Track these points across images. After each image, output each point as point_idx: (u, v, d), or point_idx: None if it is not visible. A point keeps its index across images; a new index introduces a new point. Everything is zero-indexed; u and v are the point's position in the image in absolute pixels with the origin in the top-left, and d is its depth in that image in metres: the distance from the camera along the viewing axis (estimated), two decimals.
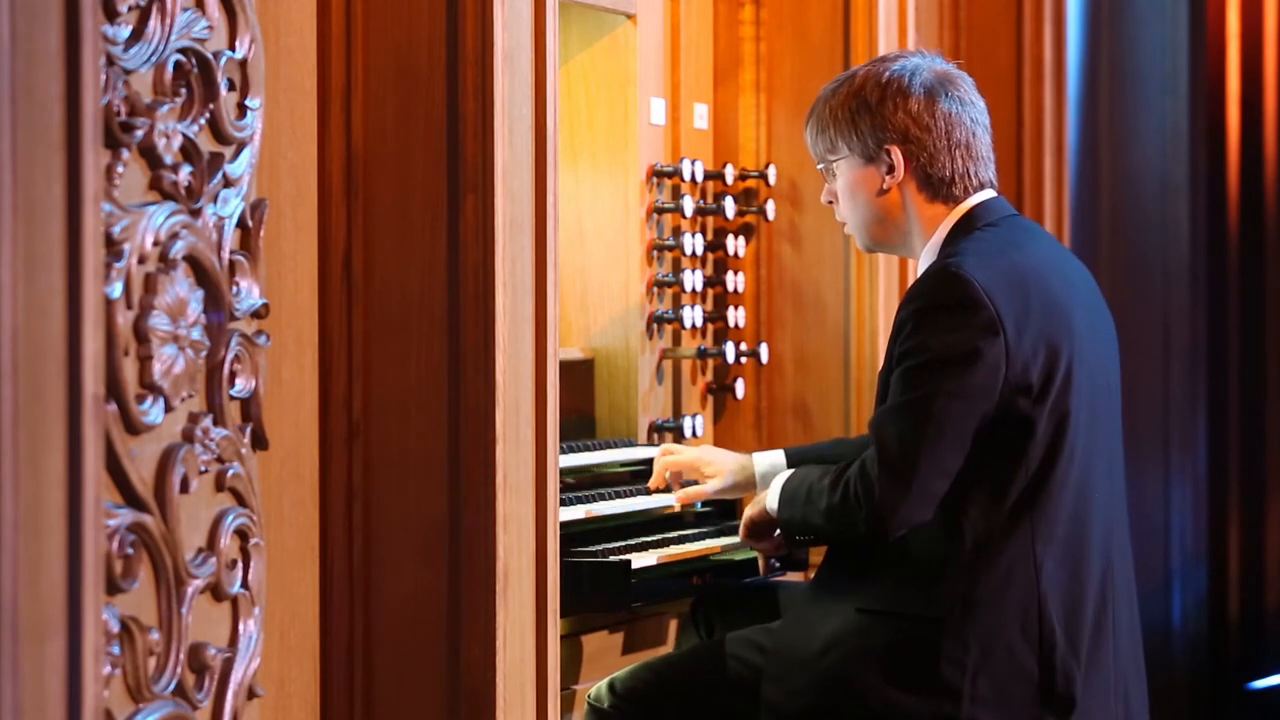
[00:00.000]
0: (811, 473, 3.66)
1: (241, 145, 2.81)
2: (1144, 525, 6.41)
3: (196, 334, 2.71)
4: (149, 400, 2.61)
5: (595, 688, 3.78)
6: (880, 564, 3.55)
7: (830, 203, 3.78)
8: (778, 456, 3.99)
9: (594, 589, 3.79)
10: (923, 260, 3.67)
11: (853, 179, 3.69)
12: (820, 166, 3.76)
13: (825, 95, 3.73)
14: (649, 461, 4.35)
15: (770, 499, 3.74)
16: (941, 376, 3.44)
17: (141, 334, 2.59)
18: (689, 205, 4.43)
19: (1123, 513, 3.67)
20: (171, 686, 2.65)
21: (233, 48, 2.80)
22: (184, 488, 2.67)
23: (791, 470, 3.74)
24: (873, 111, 3.65)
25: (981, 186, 3.67)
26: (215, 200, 2.76)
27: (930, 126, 3.64)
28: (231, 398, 2.78)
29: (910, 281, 4.71)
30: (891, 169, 3.65)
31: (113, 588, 2.54)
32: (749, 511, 3.83)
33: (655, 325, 4.43)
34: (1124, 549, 3.66)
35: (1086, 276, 3.71)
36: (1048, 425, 3.49)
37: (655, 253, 4.44)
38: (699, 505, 4.22)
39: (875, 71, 3.68)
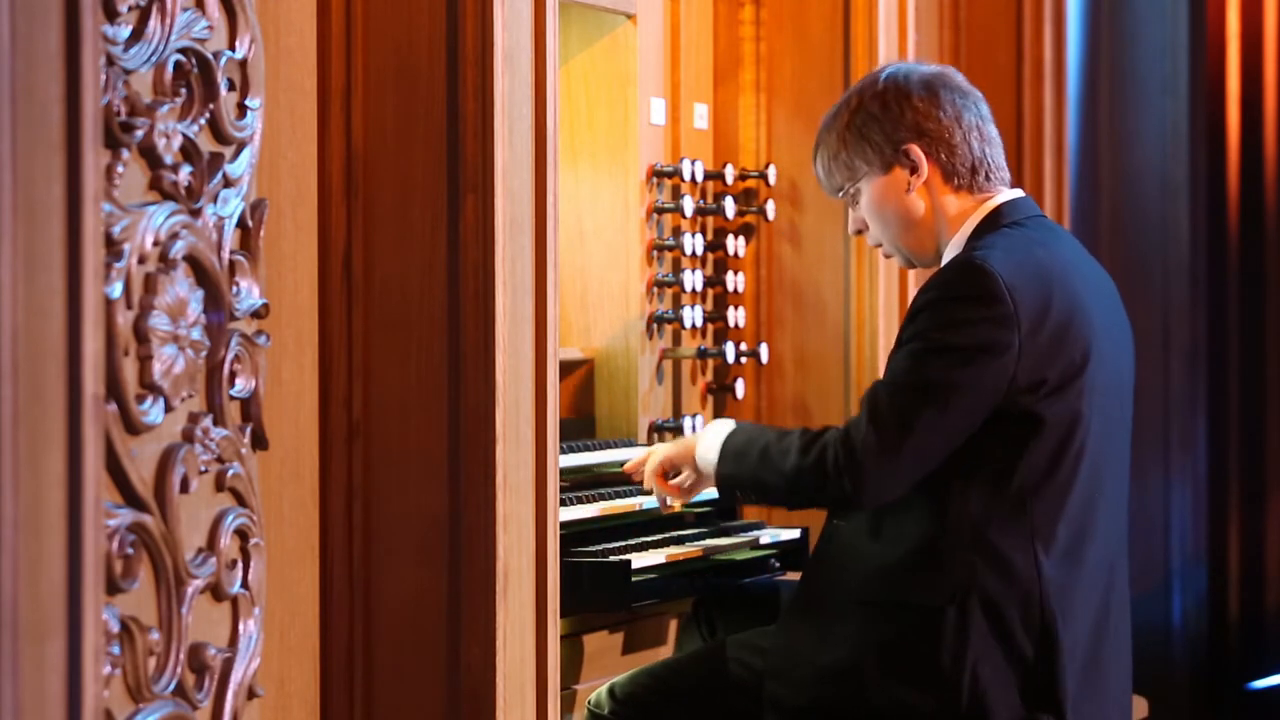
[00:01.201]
0: (765, 433, 3.62)
1: (241, 145, 2.81)
2: (1144, 525, 6.41)
3: (196, 334, 2.71)
4: (149, 400, 2.61)
5: (595, 694, 3.78)
6: (880, 556, 3.54)
7: (859, 232, 3.75)
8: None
9: (594, 589, 3.79)
10: (947, 254, 3.65)
11: (878, 191, 3.67)
12: (840, 195, 3.73)
13: (826, 124, 3.72)
14: None
15: (706, 449, 3.69)
16: (951, 365, 3.43)
17: (141, 334, 2.59)
18: (689, 205, 4.43)
19: (1125, 520, 3.67)
20: (171, 686, 2.65)
21: (233, 48, 2.80)
22: (184, 488, 2.67)
23: (734, 425, 3.70)
24: (879, 119, 3.65)
25: (1005, 181, 3.67)
26: (215, 200, 2.76)
27: (939, 116, 3.64)
28: (231, 398, 2.79)
29: (911, 282, 4.72)
30: (915, 168, 3.64)
31: (113, 588, 2.54)
32: (669, 451, 3.78)
33: (655, 325, 4.43)
34: (1123, 559, 3.66)
35: (1107, 280, 3.71)
36: (1058, 423, 3.49)
37: (655, 253, 4.43)
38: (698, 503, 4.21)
39: (868, 84, 3.69)
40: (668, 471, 3.83)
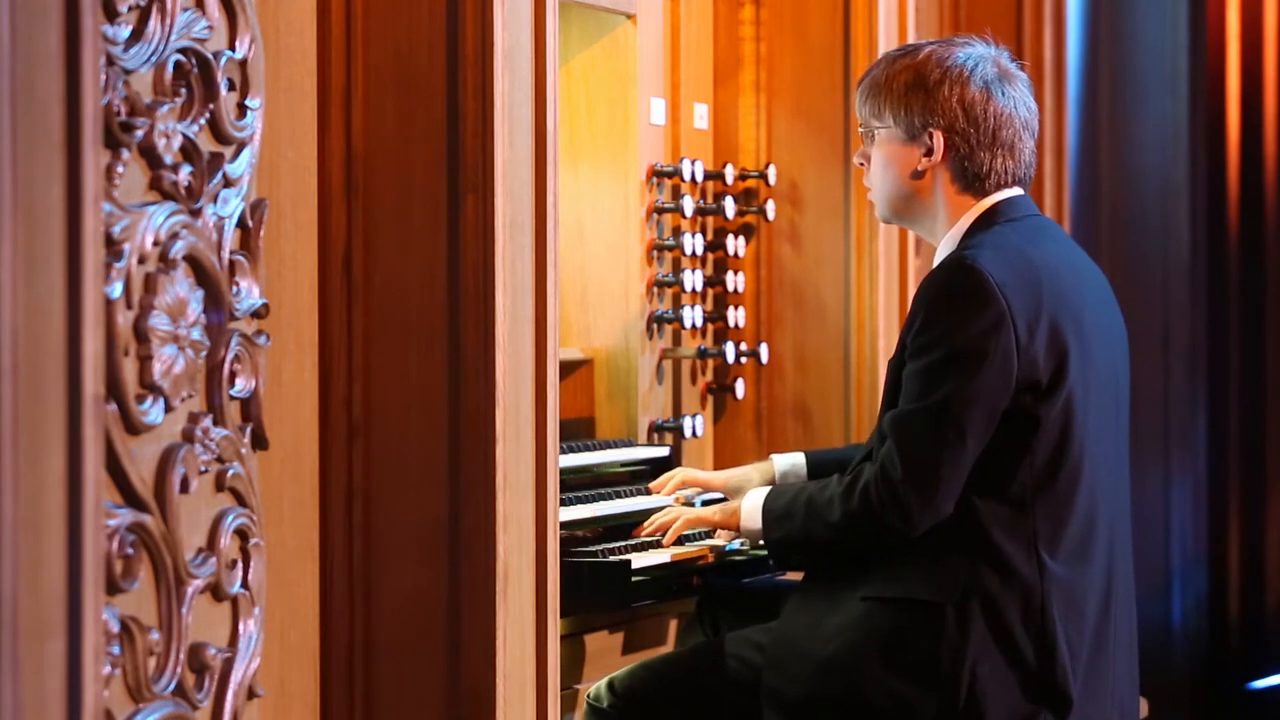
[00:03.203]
0: (803, 489, 3.66)
1: (241, 145, 2.81)
2: (1144, 525, 6.40)
3: (196, 334, 2.71)
4: (149, 400, 2.61)
5: (594, 687, 3.78)
6: (883, 552, 3.55)
7: (861, 164, 3.77)
8: (797, 458, 4.02)
9: (594, 589, 3.79)
10: (941, 249, 3.66)
11: (889, 152, 3.68)
12: (861, 129, 3.75)
13: (886, 60, 3.72)
14: (649, 461, 4.34)
15: (750, 518, 3.74)
16: (957, 376, 3.45)
17: (141, 334, 2.59)
18: (689, 205, 4.43)
19: (1127, 520, 3.67)
20: (171, 686, 2.65)
21: (233, 48, 2.80)
22: (184, 488, 2.67)
23: (769, 490, 3.74)
24: (929, 91, 3.64)
25: (1011, 183, 3.67)
26: (215, 200, 2.76)
27: (979, 121, 3.63)
28: (231, 398, 2.78)
29: (910, 282, 4.72)
30: (930, 152, 3.65)
31: (113, 588, 2.54)
32: (709, 517, 3.85)
33: (655, 325, 4.43)
34: (1126, 559, 3.66)
35: (1100, 277, 3.71)
36: (1054, 423, 3.50)
37: (655, 253, 4.43)
38: (698, 502, 4.21)
39: (941, 53, 3.66)
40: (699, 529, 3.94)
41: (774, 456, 4.06)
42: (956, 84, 3.63)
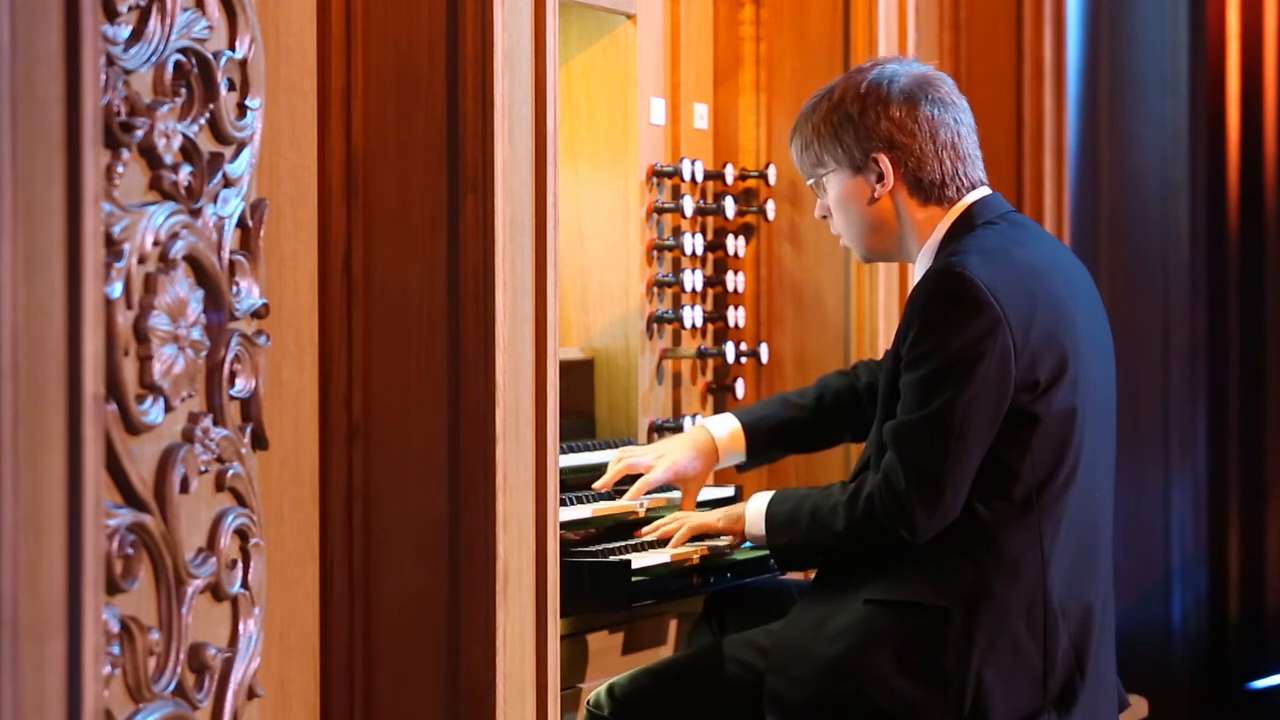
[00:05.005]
0: (807, 495, 3.66)
1: (241, 145, 2.81)
2: (1144, 525, 6.41)
3: (196, 334, 2.71)
4: (149, 400, 2.61)
5: (594, 693, 3.78)
6: (887, 555, 3.55)
7: (824, 217, 3.79)
8: (733, 425, 4.00)
9: (594, 589, 3.79)
10: (919, 263, 3.67)
11: (843, 191, 3.70)
12: (810, 182, 3.77)
13: (806, 112, 3.75)
14: None
15: (754, 524, 3.75)
16: (955, 383, 3.46)
17: (141, 334, 2.59)
18: (689, 205, 4.43)
19: (1110, 513, 3.68)
20: (171, 686, 2.65)
21: (233, 48, 2.80)
22: (184, 488, 2.67)
23: (772, 494, 3.74)
24: (855, 122, 3.66)
25: (975, 186, 3.68)
26: (215, 200, 2.76)
27: (914, 131, 3.65)
28: (231, 398, 2.79)
29: (911, 281, 4.72)
30: (881, 177, 3.66)
31: (113, 588, 2.54)
32: (712, 522, 3.85)
33: (655, 325, 4.43)
34: (1110, 554, 3.67)
35: (1085, 275, 3.72)
36: (1055, 423, 3.51)
37: (655, 253, 4.43)
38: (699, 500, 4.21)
39: (853, 83, 3.69)
40: (703, 536, 3.93)
41: (705, 423, 4.04)
42: (878, 104, 3.65)
